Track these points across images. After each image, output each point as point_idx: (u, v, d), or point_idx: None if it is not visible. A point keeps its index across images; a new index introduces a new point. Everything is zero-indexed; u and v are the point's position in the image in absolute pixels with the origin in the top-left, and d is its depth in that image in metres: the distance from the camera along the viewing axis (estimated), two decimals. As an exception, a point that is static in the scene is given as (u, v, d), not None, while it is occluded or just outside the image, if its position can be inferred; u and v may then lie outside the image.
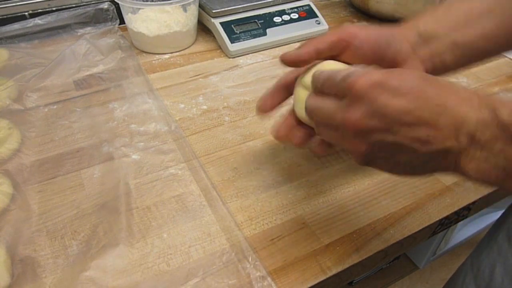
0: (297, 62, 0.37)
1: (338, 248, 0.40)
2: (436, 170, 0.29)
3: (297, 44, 0.74)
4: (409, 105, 0.27)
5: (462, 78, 0.66)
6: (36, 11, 0.73)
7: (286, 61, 0.37)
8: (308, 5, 0.78)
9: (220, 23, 0.71)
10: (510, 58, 0.72)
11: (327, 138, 0.33)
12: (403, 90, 0.27)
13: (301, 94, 0.36)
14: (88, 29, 0.73)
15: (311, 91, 0.35)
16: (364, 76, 0.28)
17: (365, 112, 0.28)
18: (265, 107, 0.40)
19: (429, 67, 0.39)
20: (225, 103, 0.59)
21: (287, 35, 0.74)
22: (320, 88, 0.32)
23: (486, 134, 0.26)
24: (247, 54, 0.71)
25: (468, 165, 0.27)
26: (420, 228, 0.42)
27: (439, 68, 0.39)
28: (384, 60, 0.37)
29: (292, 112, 0.39)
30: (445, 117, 0.27)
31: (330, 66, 0.36)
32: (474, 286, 0.53)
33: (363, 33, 0.37)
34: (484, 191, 0.47)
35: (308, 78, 0.36)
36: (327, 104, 0.31)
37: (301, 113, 0.36)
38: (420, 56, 0.39)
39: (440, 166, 0.28)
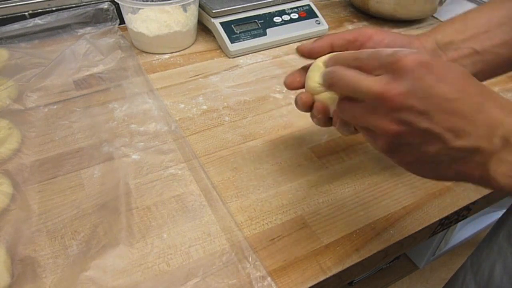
0: (312, 53, 0.38)
1: (338, 248, 0.40)
2: (460, 173, 0.28)
3: (297, 44, 0.75)
4: (452, 94, 0.26)
5: (462, 78, 0.66)
6: (36, 11, 0.73)
7: (301, 51, 0.39)
8: (308, 5, 0.78)
9: (220, 23, 0.71)
10: (510, 58, 0.72)
11: (349, 114, 0.31)
12: (449, 78, 0.27)
13: (312, 68, 0.37)
14: (88, 29, 0.73)
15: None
16: (414, 54, 0.28)
17: (407, 88, 0.27)
18: (293, 82, 0.40)
19: None
20: (225, 103, 0.59)
21: (287, 35, 0.74)
22: (362, 60, 0.31)
23: None
24: (247, 54, 0.71)
25: (498, 169, 0.26)
26: (420, 228, 0.42)
27: None
28: None
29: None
30: (483, 115, 0.26)
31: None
32: (474, 285, 0.53)
33: (378, 37, 0.37)
34: (484, 191, 0.47)
35: (322, 59, 0.37)
36: (364, 76, 0.30)
37: (314, 87, 0.36)
38: None
39: (466, 168, 0.27)
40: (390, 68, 0.28)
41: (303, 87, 0.39)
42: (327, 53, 0.38)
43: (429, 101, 0.27)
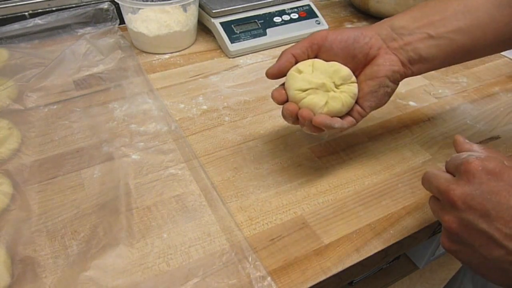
0: (281, 72, 0.41)
1: (338, 248, 0.40)
2: None
3: (297, 44, 0.75)
4: None
5: (462, 78, 0.66)
6: (36, 11, 0.73)
7: (271, 75, 0.41)
8: (308, 5, 0.78)
9: (220, 23, 0.71)
10: (510, 58, 0.72)
11: (431, 206, 0.34)
12: None
13: (291, 73, 0.41)
14: (88, 29, 0.73)
15: None
16: (482, 160, 0.29)
17: (470, 190, 0.29)
18: (279, 96, 0.41)
19: (403, 57, 0.40)
20: (225, 103, 0.59)
21: (287, 35, 0.74)
22: (446, 164, 0.34)
23: None
24: (247, 54, 0.71)
25: None
26: (420, 228, 0.42)
27: (415, 59, 0.40)
28: (356, 55, 0.40)
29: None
30: None
31: (315, 62, 0.40)
32: (471, 285, 0.53)
33: (332, 35, 0.40)
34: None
35: (302, 64, 0.41)
36: (441, 174, 0.33)
37: (294, 94, 0.40)
38: (392, 48, 0.40)
39: None
40: (459, 170, 0.30)
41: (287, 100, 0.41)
42: (292, 65, 0.41)
43: (490, 205, 0.27)
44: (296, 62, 0.41)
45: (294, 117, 0.39)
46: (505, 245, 0.27)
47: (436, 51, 0.40)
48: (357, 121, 0.41)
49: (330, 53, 0.40)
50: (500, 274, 0.29)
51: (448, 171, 0.33)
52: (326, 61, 0.41)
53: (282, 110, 0.40)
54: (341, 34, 0.40)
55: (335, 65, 0.40)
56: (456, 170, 0.31)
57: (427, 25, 0.40)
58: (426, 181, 0.34)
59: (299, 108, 0.39)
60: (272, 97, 0.41)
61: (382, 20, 0.42)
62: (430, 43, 0.39)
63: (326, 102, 0.39)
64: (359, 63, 0.41)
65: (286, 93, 0.41)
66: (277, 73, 0.41)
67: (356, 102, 0.41)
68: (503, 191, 0.27)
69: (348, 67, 0.40)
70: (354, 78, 0.40)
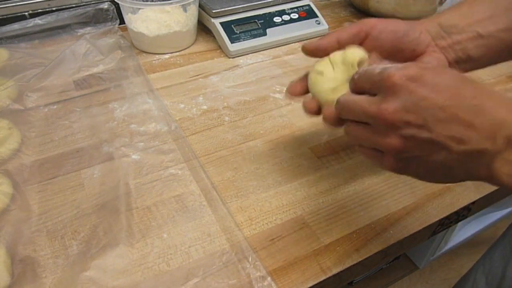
0: (319, 50, 0.38)
1: (338, 248, 0.40)
2: (470, 174, 0.28)
3: (297, 44, 0.75)
4: (446, 102, 0.27)
5: (462, 78, 0.66)
6: (36, 11, 0.73)
7: (308, 50, 0.39)
8: (308, 5, 0.78)
9: (220, 23, 0.71)
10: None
11: (357, 138, 0.32)
12: (441, 86, 0.27)
13: (313, 77, 0.38)
14: (88, 29, 0.73)
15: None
16: (402, 70, 0.28)
17: (401, 104, 0.27)
18: (295, 90, 0.40)
19: (451, 57, 0.39)
20: (225, 103, 0.59)
21: (287, 35, 0.74)
22: (355, 82, 0.32)
23: None
24: (247, 54, 0.71)
25: (502, 168, 0.26)
26: (420, 228, 0.42)
27: (463, 59, 0.39)
28: (403, 50, 0.38)
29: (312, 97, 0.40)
30: (482, 117, 0.26)
31: (354, 53, 0.37)
32: (485, 283, 0.53)
33: (382, 24, 0.38)
34: (484, 191, 0.47)
35: (320, 65, 0.38)
36: (361, 99, 0.31)
37: (320, 93, 0.37)
38: (441, 46, 0.39)
39: (474, 170, 0.28)
40: (381, 87, 0.29)
41: (305, 93, 0.39)
42: (334, 50, 0.38)
43: (425, 113, 0.27)
44: (339, 48, 0.38)
45: (314, 114, 0.38)
46: (447, 145, 0.27)
47: (485, 50, 0.38)
48: None
49: (376, 43, 0.38)
50: (445, 173, 0.29)
51: (361, 91, 0.31)
52: (369, 51, 0.38)
53: (323, 120, 0.37)
54: (392, 24, 0.38)
55: (350, 50, 0.37)
56: (376, 88, 0.29)
57: (476, 23, 0.38)
58: (347, 109, 0.32)
59: (320, 107, 0.38)
60: (306, 110, 0.39)
61: (430, 17, 0.40)
62: (479, 42, 0.38)
63: None
64: (403, 58, 0.38)
65: (302, 87, 0.39)
66: (314, 50, 0.38)
67: None
68: (431, 93, 0.27)
69: (394, 59, 0.36)
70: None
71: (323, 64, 0.38)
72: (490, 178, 0.27)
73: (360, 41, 0.39)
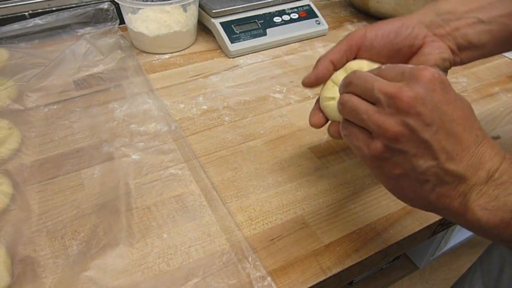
0: (319, 81, 0.38)
1: (338, 248, 0.40)
2: (441, 198, 0.28)
3: (297, 44, 0.75)
4: (458, 119, 0.27)
5: (462, 78, 0.66)
6: (36, 11, 0.73)
7: (308, 84, 0.38)
8: (308, 5, 0.78)
9: (220, 23, 0.71)
10: (510, 58, 0.72)
11: (352, 107, 0.30)
12: (459, 103, 0.28)
13: (326, 106, 0.37)
14: (88, 29, 0.73)
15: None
16: (432, 68, 0.28)
17: (420, 94, 0.27)
18: (318, 123, 0.39)
19: (452, 44, 0.37)
20: (225, 103, 0.59)
21: (287, 35, 0.74)
22: (380, 71, 0.30)
23: (504, 177, 0.27)
24: (247, 54, 0.71)
25: (477, 200, 0.27)
26: (420, 228, 0.42)
27: (465, 46, 0.37)
28: (399, 49, 0.37)
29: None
30: (477, 148, 0.27)
31: (358, 65, 0.37)
32: (482, 284, 0.53)
33: (371, 32, 0.37)
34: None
35: (327, 91, 0.37)
36: (379, 79, 0.29)
37: (329, 108, 0.37)
38: (439, 35, 0.37)
39: (448, 194, 0.28)
40: (410, 76, 0.28)
41: (327, 121, 0.38)
42: (332, 73, 0.38)
43: (437, 115, 0.27)
44: (335, 68, 0.38)
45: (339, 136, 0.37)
46: (438, 157, 0.27)
47: (488, 37, 0.37)
48: None
49: (372, 52, 0.37)
50: (415, 188, 0.29)
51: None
52: (370, 60, 0.38)
53: (330, 133, 0.37)
54: (381, 29, 0.37)
55: (353, 62, 0.38)
56: (402, 76, 0.28)
57: (477, 9, 0.37)
58: (360, 81, 0.30)
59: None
60: (311, 124, 0.39)
61: (426, 6, 0.39)
62: (481, 28, 0.36)
63: None
64: (404, 57, 0.38)
65: (323, 117, 0.38)
66: (315, 82, 0.38)
67: None
68: (451, 104, 0.27)
69: (393, 62, 0.36)
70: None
71: (329, 89, 0.37)
72: (461, 208, 0.28)
73: (354, 55, 0.38)
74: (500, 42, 0.37)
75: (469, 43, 0.37)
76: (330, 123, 0.37)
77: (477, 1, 0.37)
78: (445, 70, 0.38)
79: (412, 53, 0.38)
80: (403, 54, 0.38)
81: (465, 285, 0.57)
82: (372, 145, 0.29)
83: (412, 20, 0.38)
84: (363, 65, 0.37)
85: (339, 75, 0.37)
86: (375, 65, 0.36)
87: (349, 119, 0.31)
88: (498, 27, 0.36)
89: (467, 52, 0.38)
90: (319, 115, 0.38)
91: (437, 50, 0.36)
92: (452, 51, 0.37)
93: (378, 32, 0.37)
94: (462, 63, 0.38)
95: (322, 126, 0.38)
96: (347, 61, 0.38)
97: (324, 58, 0.38)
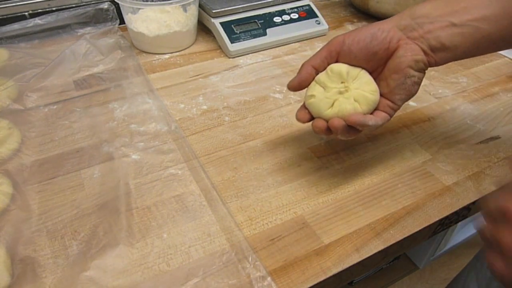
0: (302, 85, 0.42)
1: (338, 248, 0.40)
2: None
3: (297, 44, 0.75)
4: None
5: (462, 78, 0.66)
6: (36, 11, 0.73)
7: (292, 88, 0.42)
8: (308, 5, 0.78)
9: (220, 23, 0.71)
10: (510, 58, 0.72)
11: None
12: None
13: (308, 103, 0.41)
14: (88, 29, 0.73)
15: None
16: None
17: None
18: (303, 119, 0.42)
19: (425, 46, 0.39)
20: (225, 103, 0.59)
21: (287, 35, 0.74)
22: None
23: None
24: (247, 54, 0.71)
25: None
26: (420, 228, 0.42)
27: (438, 47, 0.39)
28: (376, 52, 0.39)
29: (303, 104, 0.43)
30: None
31: (338, 67, 0.41)
32: (476, 283, 0.53)
33: (349, 38, 0.40)
34: (484, 190, 0.47)
35: (310, 90, 0.42)
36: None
37: (323, 115, 0.40)
38: (412, 37, 0.39)
39: None
40: None
41: (312, 118, 0.42)
42: (313, 77, 0.42)
43: None
44: (317, 73, 0.42)
45: (326, 131, 0.40)
46: None
47: (460, 39, 0.38)
48: (391, 116, 0.41)
49: (350, 57, 0.40)
50: None
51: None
52: (348, 64, 0.41)
53: (313, 129, 0.41)
54: (358, 34, 0.39)
55: (333, 65, 0.41)
56: None
57: (450, 13, 0.38)
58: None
59: (327, 121, 0.40)
60: (297, 119, 0.42)
61: (403, 11, 0.41)
62: (453, 31, 0.38)
63: (338, 105, 0.40)
64: (381, 59, 0.40)
65: (308, 111, 0.42)
66: (298, 86, 0.42)
67: (387, 98, 0.41)
68: None
69: (371, 65, 0.40)
70: (355, 72, 0.41)
71: (312, 88, 0.41)
72: None
73: (334, 60, 0.41)
74: (473, 44, 0.39)
75: (442, 45, 0.39)
76: (314, 119, 0.41)
77: (452, 6, 0.39)
78: (420, 71, 0.40)
79: (388, 56, 0.40)
80: (380, 57, 0.40)
81: (459, 284, 0.58)
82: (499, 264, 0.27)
83: (388, 24, 0.40)
84: (342, 68, 0.40)
85: (321, 77, 0.41)
86: (355, 69, 0.40)
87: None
88: (470, 30, 0.38)
89: (440, 53, 0.39)
90: (304, 111, 0.42)
91: (409, 52, 0.39)
92: (425, 53, 0.39)
93: (355, 37, 0.40)
94: (437, 64, 0.40)
95: (307, 121, 0.42)
96: (328, 65, 0.41)
97: (307, 64, 0.41)
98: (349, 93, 0.40)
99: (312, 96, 0.41)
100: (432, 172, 0.48)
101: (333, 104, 0.40)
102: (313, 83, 0.42)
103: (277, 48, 0.74)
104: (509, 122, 0.57)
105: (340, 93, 0.40)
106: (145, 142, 0.52)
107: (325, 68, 0.41)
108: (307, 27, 0.76)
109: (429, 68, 0.40)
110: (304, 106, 0.43)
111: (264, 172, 0.48)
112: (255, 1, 0.73)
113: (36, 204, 0.43)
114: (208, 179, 0.47)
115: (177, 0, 0.66)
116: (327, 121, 0.40)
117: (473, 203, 0.46)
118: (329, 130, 0.40)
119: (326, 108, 0.40)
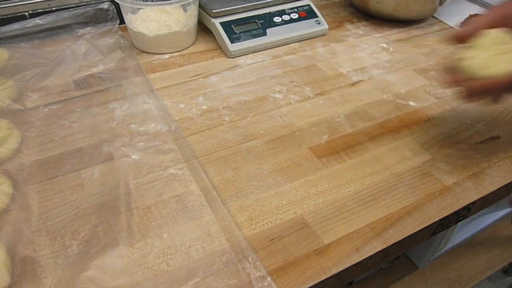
0: (468, 36, 0.41)
1: (338, 248, 0.40)
2: None
3: (297, 44, 0.75)
4: None
5: (462, 78, 0.66)
6: (36, 11, 0.73)
7: (458, 37, 0.42)
8: (308, 5, 0.78)
9: (220, 23, 0.71)
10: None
11: None
12: None
13: (467, 64, 0.41)
14: (88, 29, 0.73)
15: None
16: None
17: None
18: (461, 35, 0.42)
19: None
20: (225, 103, 0.59)
21: (287, 35, 0.74)
22: None
23: None
24: (247, 54, 0.71)
25: None
26: (420, 228, 0.42)
27: None
28: None
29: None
30: None
31: (498, 33, 0.41)
32: None
33: None
34: (484, 190, 0.47)
35: (481, 40, 0.41)
36: None
37: (480, 74, 0.40)
38: None
39: None
40: None
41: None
42: (479, 34, 0.41)
43: None
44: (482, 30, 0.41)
45: (481, 92, 0.40)
46: None
47: None
48: None
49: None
50: None
51: None
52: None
53: (466, 90, 0.41)
54: None
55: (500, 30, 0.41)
56: None
57: None
58: None
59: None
60: (457, 35, 0.42)
61: None
62: None
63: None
64: None
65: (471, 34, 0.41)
66: (463, 37, 0.41)
67: None
68: None
69: None
70: None
71: (473, 50, 0.41)
72: None
73: (502, 24, 0.41)
74: None
75: None
76: (468, 80, 0.40)
77: None
78: None
79: None
80: None
81: None
82: None
83: None
84: (502, 34, 0.40)
85: (486, 39, 0.41)
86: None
87: None
88: None
89: None
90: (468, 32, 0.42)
91: None
92: None
93: None
94: None
95: (457, 81, 0.41)
96: (494, 27, 0.41)
97: (477, 19, 0.41)
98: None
99: (471, 57, 0.40)
100: (432, 172, 0.48)
101: (494, 65, 0.39)
102: (472, 46, 0.41)
103: (277, 48, 0.74)
104: (509, 122, 0.57)
105: (503, 53, 0.39)
106: (145, 142, 0.52)
107: (493, 27, 0.41)
108: (307, 27, 0.76)
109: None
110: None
111: (264, 172, 0.48)
112: (255, 1, 0.73)
113: (36, 204, 0.43)
114: (208, 179, 0.47)
115: (177, 0, 0.66)
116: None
117: (473, 203, 0.46)
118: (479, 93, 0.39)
119: (491, 66, 0.39)
